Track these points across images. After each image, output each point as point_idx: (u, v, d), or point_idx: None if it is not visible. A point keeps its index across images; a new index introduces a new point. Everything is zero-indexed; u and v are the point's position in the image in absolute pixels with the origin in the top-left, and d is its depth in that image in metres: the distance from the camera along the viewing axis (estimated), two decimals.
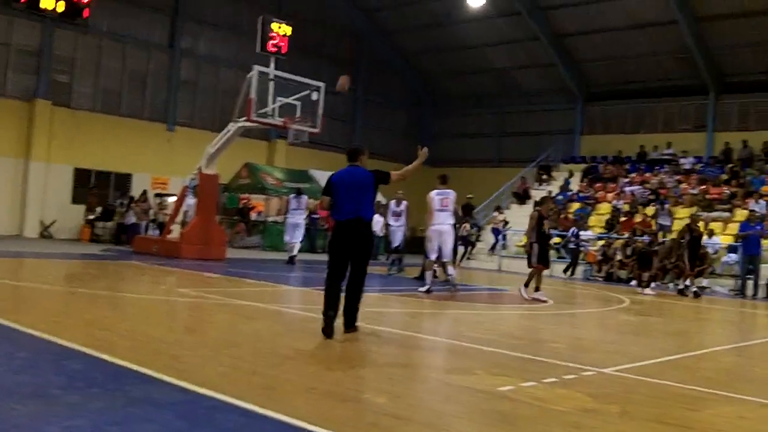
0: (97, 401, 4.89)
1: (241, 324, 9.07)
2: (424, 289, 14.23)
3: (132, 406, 4.83)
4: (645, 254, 19.96)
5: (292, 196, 22.05)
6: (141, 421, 4.48)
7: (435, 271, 14.94)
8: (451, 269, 14.64)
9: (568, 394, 6.04)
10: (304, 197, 21.78)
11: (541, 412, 5.42)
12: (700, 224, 19.50)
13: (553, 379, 6.48)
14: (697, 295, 18.24)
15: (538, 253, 14.30)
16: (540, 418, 5.24)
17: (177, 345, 7.29)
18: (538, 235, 14.37)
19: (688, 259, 18.47)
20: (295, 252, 21.05)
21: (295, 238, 21.16)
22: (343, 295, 8.38)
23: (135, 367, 5.86)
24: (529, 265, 14.43)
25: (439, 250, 14.22)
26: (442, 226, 14.09)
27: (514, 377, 6.49)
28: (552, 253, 25.22)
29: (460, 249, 27.78)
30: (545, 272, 14.83)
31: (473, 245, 27.48)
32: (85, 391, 5.15)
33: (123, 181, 29.04)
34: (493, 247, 28.14)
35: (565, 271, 24.38)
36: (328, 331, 7.99)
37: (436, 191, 14.23)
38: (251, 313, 10.11)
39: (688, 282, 18.65)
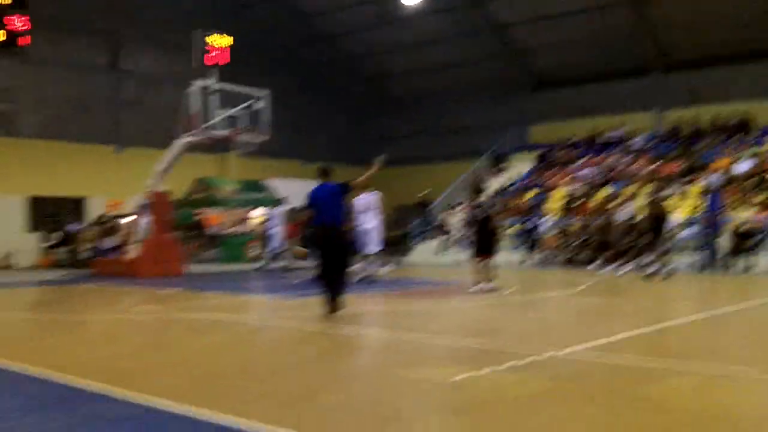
0: (53, 422, 4.89)
1: (196, 337, 8.99)
2: (361, 278, 16.19)
3: (87, 424, 4.84)
4: (604, 234, 19.90)
5: (269, 208, 22.80)
6: None
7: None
8: (377, 261, 17.04)
9: (524, 378, 6.06)
10: (277, 208, 22.03)
11: (495, 398, 5.44)
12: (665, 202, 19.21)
13: (510, 365, 6.49)
14: (667, 275, 17.37)
15: (474, 243, 14.28)
16: (494, 404, 5.25)
17: (131, 362, 7.23)
18: (474, 225, 14.19)
19: (651, 239, 18.07)
20: (266, 261, 21.43)
21: (271, 248, 21.53)
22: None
23: (89, 386, 5.85)
24: (473, 257, 14.43)
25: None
26: (368, 225, 16.25)
27: (469, 366, 6.46)
28: (508, 241, 25.45)
29: (437, 240, 28.24)
30: (493, 260, 14.60)
31: (450, 235, 27.54)
32: (42, 412, 5.16)
33: (78, 205, 28.73)
34: (458, 241, 27.94)
35: (522, 260, 24.43)
36: (329, 309, 10.24)
37: (359, 196, 16.08)
38: (206, 326, 10.03)
39: (649, 261, 18.56)
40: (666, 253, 18.18)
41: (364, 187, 15.11)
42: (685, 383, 5.95)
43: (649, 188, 26.06)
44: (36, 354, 7.79)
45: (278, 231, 21.47)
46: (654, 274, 17.21)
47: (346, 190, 10.81)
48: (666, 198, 20.26)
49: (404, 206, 36.27)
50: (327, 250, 10.51)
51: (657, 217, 17.97)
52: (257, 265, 21.14)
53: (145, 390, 5.65)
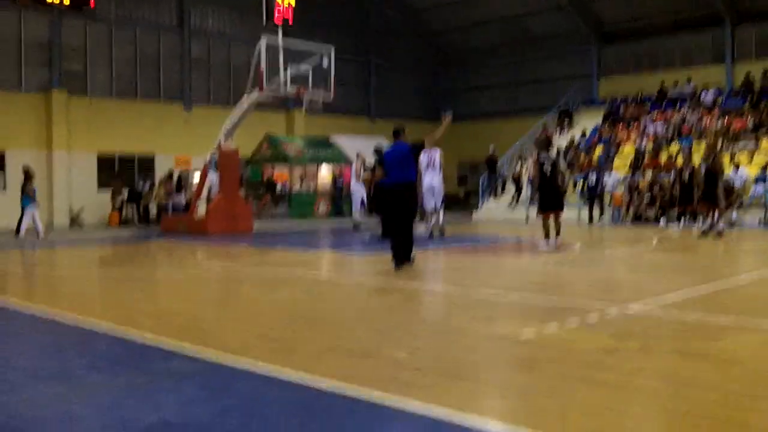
0: (120, 378, 4.96)
1: (265, 293, 9.17)
2: (427, 235, 16.62)
3: (154, 379, 4.90)
4: (685, 189, 19.16)
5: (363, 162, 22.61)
6: (163, 393, 4.56)
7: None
8: (441, 217, 17.20)
9: (590, 334, 6.05)
10: (354, 164, 22.15)
11: (562, 354, 5.43)
12: (722, 157, 18.45)
13: (576, 321, 6.48)
14: (719, 233, 16.53)
15: (539, 199, 14.09)
16: (561, 359, 5.25)
17: (200, 318, 7.39)
18: (540, 181, 13.89)
19: (702, 195, 17.28)
20: (357, 218, 21.43)
21: (356, 203, 21.57)
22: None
23: (158, 342, 5.95)
24: (537, 213, 14.33)
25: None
26: (432, 182, 16.36)
27: (536, 322, 6.48)
28: (574, 197, 25.11)
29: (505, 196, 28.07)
30: (563, 217, 14.34)
31: (519, 191, 27.35)
32: (108, 369, 5.23)
33: (146, 163, 29.32)
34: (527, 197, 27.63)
35: (591, 218, 24.06)
36: (398, 265, 10.62)
37: (422, 153, 15.81)
38: (275, 282, 10.21)
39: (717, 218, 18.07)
40: (733, 209, 17.72)
41: (434, 145, 15.23)
42: (751, 339, 5.89)
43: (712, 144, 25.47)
44: (105, 310, 7.95)
45: (358, 188, 21.54)
46: (723, 230, 16.84)
47: (419, 148, 11.36)
48: (719, 154, 19.43)
49: (471, 162, 36.14)
50: (398, 207, 10.97)
51: (713, 174, 17.38)
52: (357, 220, 21.13)
53: (213, 345, 5.74)
